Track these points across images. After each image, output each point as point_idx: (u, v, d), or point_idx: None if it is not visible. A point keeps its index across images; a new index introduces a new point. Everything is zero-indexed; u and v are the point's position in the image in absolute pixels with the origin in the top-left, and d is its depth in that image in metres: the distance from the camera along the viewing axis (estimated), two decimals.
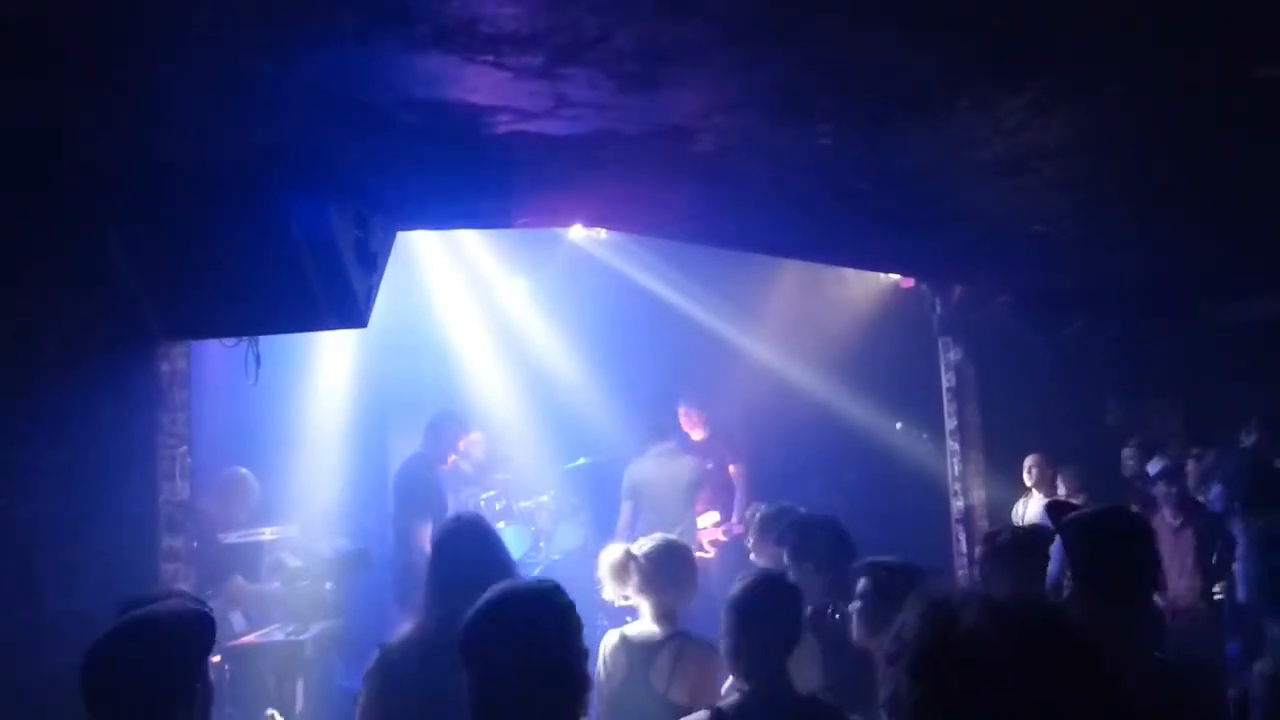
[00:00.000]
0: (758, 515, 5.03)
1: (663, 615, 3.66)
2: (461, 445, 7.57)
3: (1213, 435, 7.83)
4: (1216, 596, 5.71)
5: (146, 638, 2.33)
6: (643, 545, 3.85)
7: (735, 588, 3.05)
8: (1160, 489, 6.39)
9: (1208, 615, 5.82)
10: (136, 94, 2.90)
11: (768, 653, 2.91)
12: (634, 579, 3.74)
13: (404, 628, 3.34)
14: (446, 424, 7.07)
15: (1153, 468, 6.60)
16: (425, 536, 6.14)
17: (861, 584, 3.33)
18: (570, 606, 2.36)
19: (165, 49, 2.59)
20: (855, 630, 3.31)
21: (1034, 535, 3.85)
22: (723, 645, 2.99)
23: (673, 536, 4.07)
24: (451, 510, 6.63)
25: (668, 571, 3.75)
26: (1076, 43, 2.93)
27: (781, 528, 4.48)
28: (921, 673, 1.34)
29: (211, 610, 2.52)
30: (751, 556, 5.01)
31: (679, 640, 3.58)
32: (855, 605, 3.34)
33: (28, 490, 3.55)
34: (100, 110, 3.01)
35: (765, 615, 2.95)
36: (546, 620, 2.29)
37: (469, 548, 3.29)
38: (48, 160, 3.41)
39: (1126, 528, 3.03)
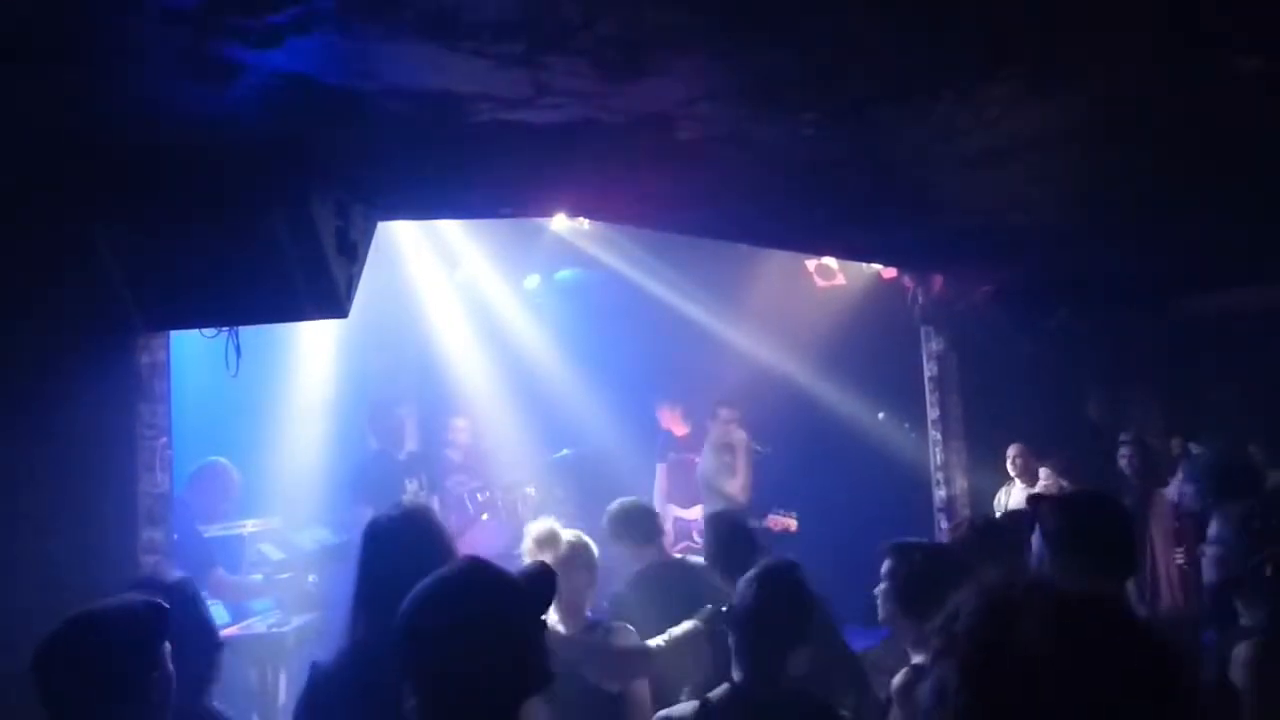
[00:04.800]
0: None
1: None
2: (451, 434, 7.66)
3: (1193, 426, 7.89)
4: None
5: (90, 634, 2.34)
6: None
7: (742, 581, 3.06)
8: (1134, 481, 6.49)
9: (1180, 600, 5.92)
10: (115, 80, 2.87)
11: (768, 646, 2.92)
12: None
13: (336, 641, 3.00)
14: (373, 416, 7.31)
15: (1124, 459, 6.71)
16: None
17: (889, 564, 3.32)
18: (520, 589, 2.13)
19: (144, 35, 2.56)
20: (881, 609, 3.31)
21: (991, 525, 4.03)
22: (731, 638, 3.01)
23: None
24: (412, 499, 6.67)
25: None
26: (1059, 35, 2.94)
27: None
28: (972, 674, 1.19)
29: (164, 601, 2.49)
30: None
31: None
32: (882, 586, 3.33)
33: (5, 482, 3.52)
34: (77, 96, 2.98)
35: (769, 609, 2.95)
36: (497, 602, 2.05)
37: (401, 544, 2.94)
38: (27, 151, 3.37)
39: (1104, 508, 3.13)
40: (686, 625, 4.14)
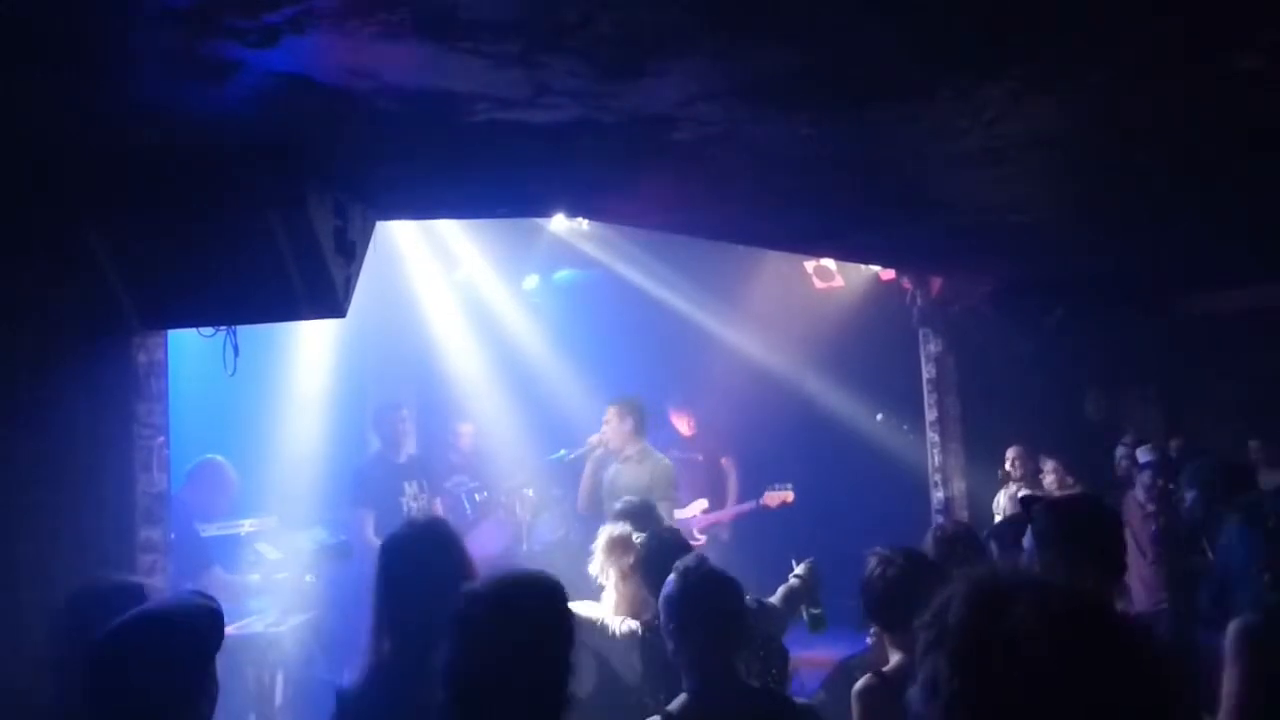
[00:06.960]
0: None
1: None
2: (462, 439, 7.75)
3: (1192, 426, 7.90)
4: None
5: (161, 633, 2.26)
6: None
7: (672, 581, 2.97)
8: (1145, 478, 6.47)
9: (1172, 603, 5.92)
10: (111, 80, 2.86)
11: (715, 647, 2.86)
12: None
13: (357, 666, 2.92)
14: (377, 418, 7.24)
15: (1142, 456, 6.69)
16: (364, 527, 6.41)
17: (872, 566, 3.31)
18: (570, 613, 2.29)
19: (141, 35, 2.56)
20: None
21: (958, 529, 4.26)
22: (668, 641, 2.93)
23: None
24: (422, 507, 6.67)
25: None
26: (1059, 35, 2.93)
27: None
28: (963, 663, 1.24)
29: (220, 607, 2.43)
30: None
31: None
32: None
33: (2, 481, 3.52)
34: (74, 97, 2.97)
35: (709, 608, 2.88)
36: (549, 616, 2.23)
37: (418, 560, 2.91)
38: (21, 149, 3.37)
39: (1095, 513, 3.17)
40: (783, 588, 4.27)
